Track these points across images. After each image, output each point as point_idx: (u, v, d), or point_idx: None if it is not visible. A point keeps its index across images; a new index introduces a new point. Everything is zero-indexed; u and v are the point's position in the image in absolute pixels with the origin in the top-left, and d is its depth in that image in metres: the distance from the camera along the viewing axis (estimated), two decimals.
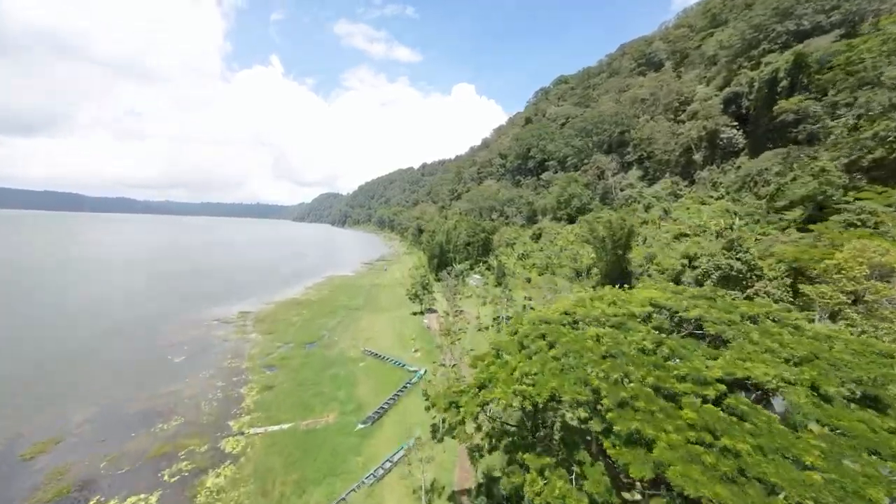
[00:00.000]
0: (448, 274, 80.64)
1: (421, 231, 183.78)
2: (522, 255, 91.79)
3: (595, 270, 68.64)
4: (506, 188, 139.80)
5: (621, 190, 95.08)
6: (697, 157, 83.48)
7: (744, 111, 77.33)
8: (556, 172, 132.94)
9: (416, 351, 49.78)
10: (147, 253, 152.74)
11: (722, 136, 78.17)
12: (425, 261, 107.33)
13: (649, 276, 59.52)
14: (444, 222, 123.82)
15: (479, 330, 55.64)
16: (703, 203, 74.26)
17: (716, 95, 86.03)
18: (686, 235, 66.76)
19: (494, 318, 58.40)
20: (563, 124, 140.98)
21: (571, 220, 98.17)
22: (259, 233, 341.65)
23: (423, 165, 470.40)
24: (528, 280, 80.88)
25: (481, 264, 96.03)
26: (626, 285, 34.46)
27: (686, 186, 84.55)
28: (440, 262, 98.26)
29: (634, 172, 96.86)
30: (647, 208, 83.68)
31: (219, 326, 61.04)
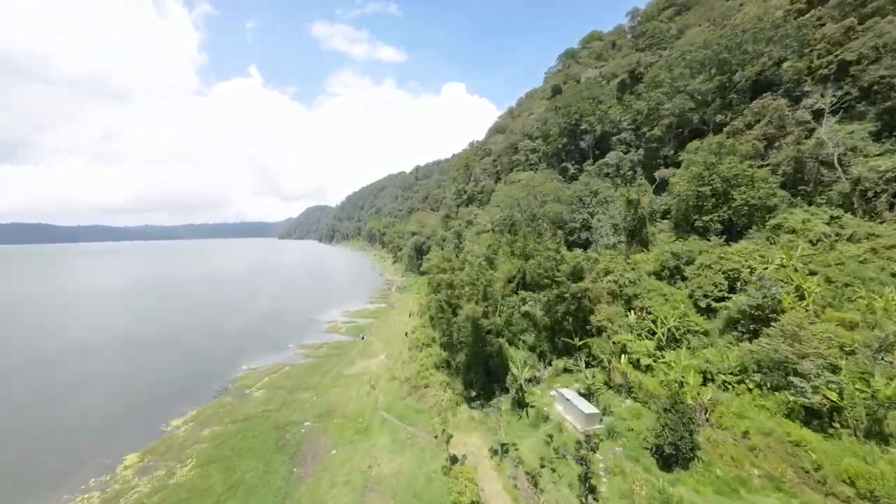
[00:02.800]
0: (504, 392, 31.49)
1: (421, 253, 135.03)
2: (671, 335, 40.14)
3: None
4: (553, 180, 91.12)
5: (839, 164, 46.10)
6: None
7: None
8: (632, 151, 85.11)
9: None
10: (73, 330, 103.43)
11: None
12: (437, 335, 55.38)
13: None
14: (473, 250, 74.30)
15: None
16: None
17: None
18: None
19: None
20: (647, 68, 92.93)
21: (726, 235, 48.77)
22: (230, 260, 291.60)
23: (417, 168, 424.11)
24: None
25: (577, 356, 45.53)
26: None
27: None
28: (475, 352, 45.30)
29: (853, 128, 47.95)
30: None
31: None
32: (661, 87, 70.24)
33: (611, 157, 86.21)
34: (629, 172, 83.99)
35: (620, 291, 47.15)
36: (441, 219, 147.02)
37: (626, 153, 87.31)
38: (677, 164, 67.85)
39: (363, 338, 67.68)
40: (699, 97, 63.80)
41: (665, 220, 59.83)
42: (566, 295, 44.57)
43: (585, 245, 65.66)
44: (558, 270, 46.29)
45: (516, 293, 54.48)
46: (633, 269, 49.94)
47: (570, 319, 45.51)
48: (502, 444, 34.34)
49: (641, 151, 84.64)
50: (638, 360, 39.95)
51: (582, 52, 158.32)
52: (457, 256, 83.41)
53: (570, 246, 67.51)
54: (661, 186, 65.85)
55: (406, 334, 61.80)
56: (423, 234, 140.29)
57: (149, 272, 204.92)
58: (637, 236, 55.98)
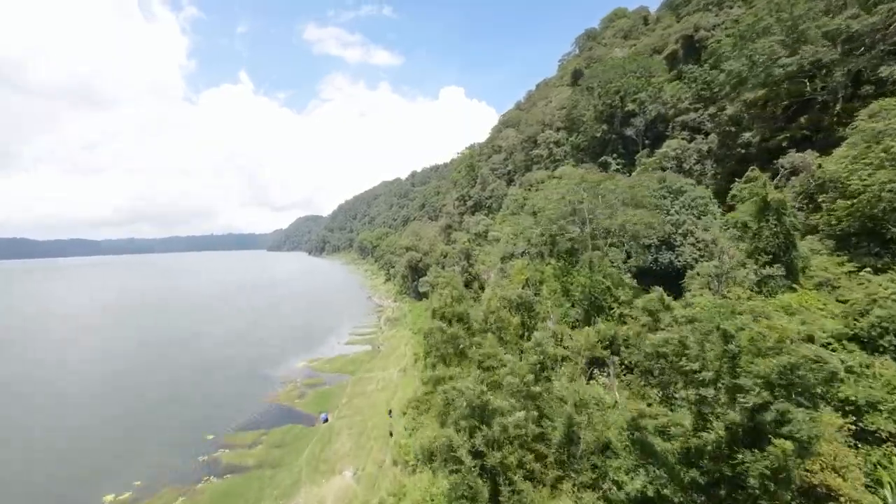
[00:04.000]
0: None
1: (417, 272, 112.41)
2: None
3: None
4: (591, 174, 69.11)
5: None
6: None
7: None
8: (699, 139, 64.57)
9: None
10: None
11: None
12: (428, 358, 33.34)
13: None
14: (495, 285, 49.70)
15: None
16: None
17: None
18: None
19: None
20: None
21: None
22: (204, 278, 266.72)
23: (413, 174, 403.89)
24: None
25: None
26: None
27: None
28: None
29: None
30: None
31: None
32: (765, 35, 48.45)
33: (670, 146, 64.74)
34: (696, 167, 62.55)
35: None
36: (441, 230, 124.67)
37: (689, 140, 66.21)
38: (771, 153, 46.57)
39: (326, 420, 44.35)
40: (844, 41, 41.89)
41: (812, 234, 37.63)
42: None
43: (665, 275, 43.06)
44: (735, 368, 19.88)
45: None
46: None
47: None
48: None
49: (714, 138, 63.39)
50: None
51: (605, 33, 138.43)
52: (467, 287, 60.79)
53: (640, 276, 44.89)
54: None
55: (390, 432, 38.58)
56: (419, 249, 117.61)
57: (105, 294, 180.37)
58: (782, 261, 33.56)
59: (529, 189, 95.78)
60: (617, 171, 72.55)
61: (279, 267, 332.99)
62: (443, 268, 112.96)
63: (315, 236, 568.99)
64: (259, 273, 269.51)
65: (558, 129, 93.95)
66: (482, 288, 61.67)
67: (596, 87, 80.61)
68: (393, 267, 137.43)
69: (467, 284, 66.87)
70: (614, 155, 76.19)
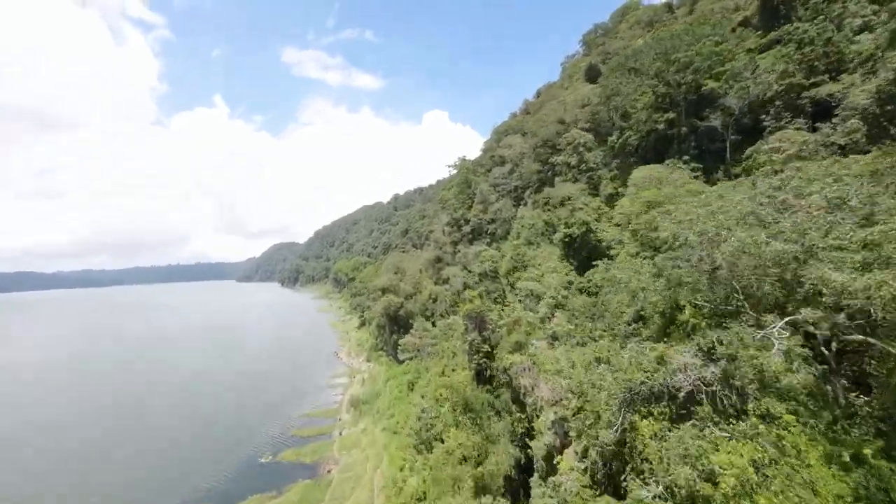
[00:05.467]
0: None
1: (397, 323, 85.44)
2: None
3: None
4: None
5: None
6: None
7: None
8: (827, 127, 41.80)
9: None
10: None
11: None
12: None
13: None
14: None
15: None
16: None
17: None
18: None
19: None
20: None
21: None
22: (152, 318, 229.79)
23: (395, 198, 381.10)
24: None
25: None
26: None
27: None
28: None
29: None
30: None
31: None
32: None
33: (784, 139, 42.07)
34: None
35: None
36: (428, 263, 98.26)
37: (811, 130, 44.21)
38: None
39: None
40: None
41: None
42: None
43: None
44: None
45: None
46: None
47: None
48: None
49: (855, 124, 40.90)
50: None
51: (619, 27, 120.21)
52: (481, 381, 34.19)
53: None
54: None
55: None
56: (399, 291, 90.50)
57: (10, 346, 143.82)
58: None
59: (551, 209, 71.26)
60: (696, 179, 48.79)
61: (242, 302, 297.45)
62: (431, 316, 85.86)
63: (289, 265, 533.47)
64: (213, 312, 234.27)
65: (588, 129, 70.74)
66: (516, 397, 34.21)
67: (649, 64, 57.92)
68: (367, 311, 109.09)
69: (481, 375, 39.88)
70: (679, 156, 52.44)
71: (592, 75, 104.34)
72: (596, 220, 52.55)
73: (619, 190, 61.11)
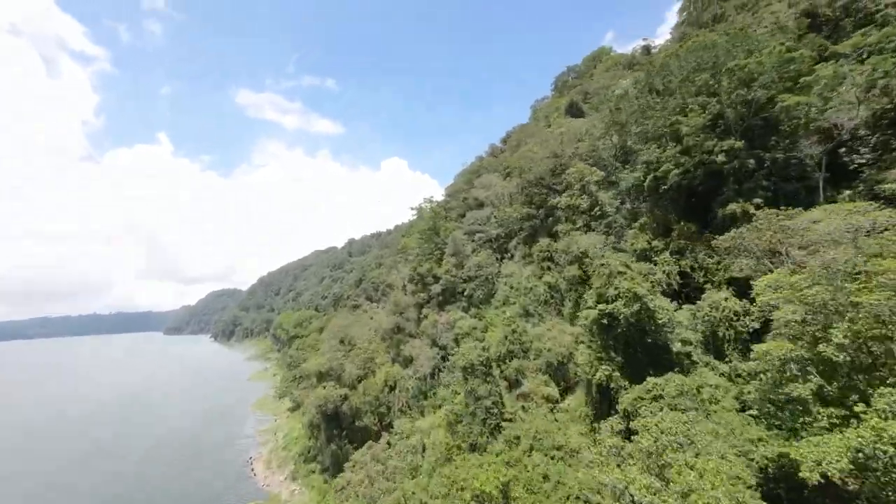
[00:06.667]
0: None
1: (337, 423, 60.54)
2: None
3: None
4: None
5: None
6: None
7: None
8: None
9: None
10: None
11: None
12: None
13: None
14: None
15: None
16: None
17: None
18: None
19: None
20: None
21: None
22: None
23: (351, 242, 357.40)
24: None
25: None
26: None
27: None
28: None
29: None
30: None
31: None
32: None
33: None
34: None
35: None
36: (386, 334, 75.22)
37: None
38: None
39: None
40: None
41: None
42: None
43: None
44: None
45: None
46: None
47: None
48: None
49: None
50: None
51: (594, 70, 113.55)
52: None
53: None
54: None
55: None
56: (343, 377, 66.29)
57: None
58: None
59: (554, 266, 53.10)
60: None
61: (153, 363, 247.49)
62: (386, 413, 61.74)
63: (227, 316, 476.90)
64: (99, 380, 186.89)
65: (604, 165, 54.98)
66: None
67: (683, 79, 43.82)
68: (299, 403, 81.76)
69: None
70: (755, 200, 36.65)
71: (574, 112, 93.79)
72: (650, 291, 34.06)
73: (654, 244, 44.33)
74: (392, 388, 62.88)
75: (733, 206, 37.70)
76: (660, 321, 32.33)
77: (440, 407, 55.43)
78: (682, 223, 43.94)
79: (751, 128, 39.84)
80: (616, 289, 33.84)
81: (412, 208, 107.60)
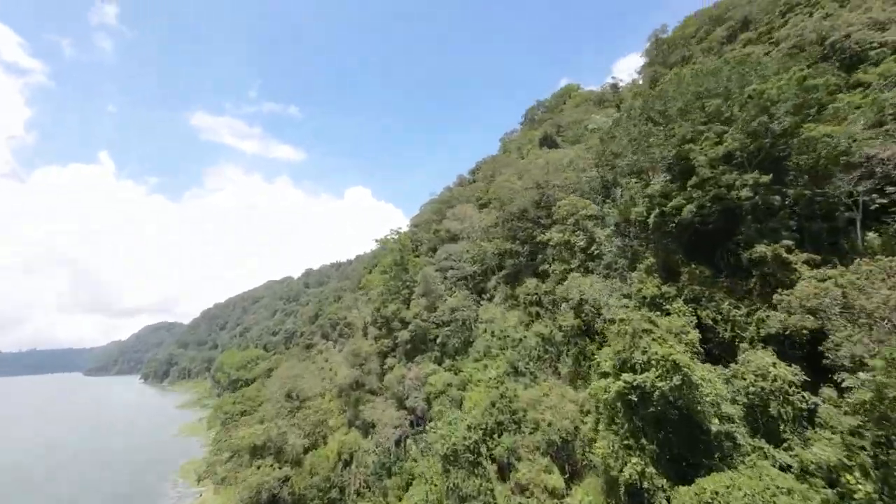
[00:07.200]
0: None
1: None
2: None
3: None
4: None
5: None
6: None
7: None
8: None
9: None
10: None
11: None
12: None
13: None
14: None
15: None
16: None
17: None
18: None
19: None
20: None
21: None
22: None
23: (307, 273, 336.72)
24: None
25: None
26: None
27: None
28: None
29: None
30: None
31: None
32: None
33: None
34: None
35: None
36: (343, 391, 63.12)
37: None
38: None
39: None
40: None
41: None
42: None
43: None
44: None
45: None
46: None
47: None
48: None
49: None
50: None
51: (563, 105, 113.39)
52: None
53: None
54: None
55: None
56: (289, 448, 53.41)
57: None
58: None
59: (546, 311, 45.52)
60: None
61: (58, 416, 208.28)
62: (339, 500, 49.19)
63: (162, 354, 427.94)
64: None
65: (603, 199, 49.27)
66: None
67: (678, 108, 39.49)
68: (230, 476, 65.84)
69: None
70: (784, 241, 31.52)
71: (550, 144, 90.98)
72: (688, 357, 26.72)
73: (665, 290, 37.98)
74: (347, 464, 50.91)
75: (761, 248, 32.23)
76: (707, 398, 24.82)
77: (407, 488, 44.44)
78: (693, 265, 38.22)
79: (766, 160, 35.46)
80: (645, 353, 26.25)
81: (377, 240, 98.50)
